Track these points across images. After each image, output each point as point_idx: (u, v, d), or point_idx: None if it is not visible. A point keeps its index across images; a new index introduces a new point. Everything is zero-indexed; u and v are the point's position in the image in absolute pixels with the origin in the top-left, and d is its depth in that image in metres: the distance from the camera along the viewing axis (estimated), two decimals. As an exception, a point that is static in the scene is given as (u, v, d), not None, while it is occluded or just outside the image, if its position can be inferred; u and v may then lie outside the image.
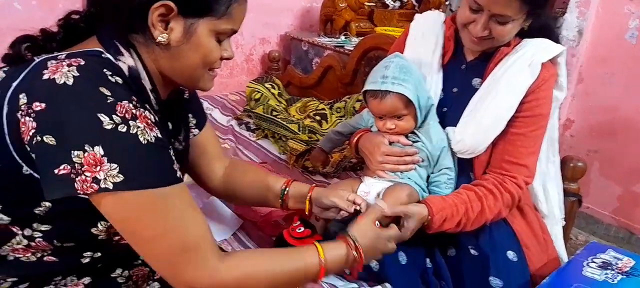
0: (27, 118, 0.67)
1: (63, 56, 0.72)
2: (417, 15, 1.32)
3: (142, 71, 0.79)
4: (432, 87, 1.21)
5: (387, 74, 1.11)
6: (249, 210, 1.39)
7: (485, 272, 1.10)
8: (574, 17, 2.26)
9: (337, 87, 2.31)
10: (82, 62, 0.70)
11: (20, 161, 0.71)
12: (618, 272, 1.04)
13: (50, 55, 0.73)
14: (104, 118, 0.67)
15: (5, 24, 1.91)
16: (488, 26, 1.07)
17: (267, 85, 2.37)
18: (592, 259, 1.10)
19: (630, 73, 2.24)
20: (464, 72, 1.20)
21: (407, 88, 1.09)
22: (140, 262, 0.94)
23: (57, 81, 0.68)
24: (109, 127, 0.67)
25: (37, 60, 0.73)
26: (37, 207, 0.75)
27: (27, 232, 0.77)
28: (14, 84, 0.71)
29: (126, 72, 0.77)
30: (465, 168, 1.21)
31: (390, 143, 1.17)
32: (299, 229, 1.11)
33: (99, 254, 0.85)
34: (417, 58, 1.23)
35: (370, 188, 1.18)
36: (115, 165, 0.67)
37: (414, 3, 2.75)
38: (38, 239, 0.78)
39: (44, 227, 0.77)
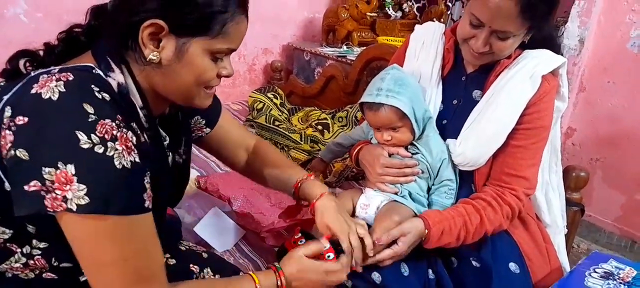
0: (7, 131, 0.67)
1: (55, 71, 0.71)
2: (417, 27, 1.32)
3: (132, 87, 0.78)
4: (432, 99, 1.21)
5: (382, 86, 1.11)
6: (251, 221, 1.40)
7: (487, 284, 1.09)
8: (575, 26, 2.27)
9: (340, 96, 2.32)
10: (71, 77, 0.70)
11: (2, 176, 0.70)
12: (620, 282, 1.03)
13: (45, 70, 0.73)
14: (82, 136, 0.66)
15: (11, 36, 1.93)
16: (489, 41, 1.06)
17: (269, 95, 2.38)
18: (594, 269, 1.09)
19: (632, 82, 2.24)
20: (464, 84, 1.20)
21: (401, 101, 1.09)
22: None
23: (43, 96, 0.67)
24: (86, 146, 0.66)
25: (32, 74, 0.73)
26: (30, 224, 0.74)
27: (26, 249, 0.77)
28: (5, 98, 0.70)
29: (115, 89, 0.75)
30: (466, 180, 1.21)
31: (390, 155, 1.18)
32: (300, 242, 1.11)
33: None
34: (417, 70, 1.23)
35: (370, 200, 1.18)
36: (84, 187, 0.66)
37: (416, 13, 2.77)
38: (37, 257, 0.77)
39: (42, 245, 0.77)
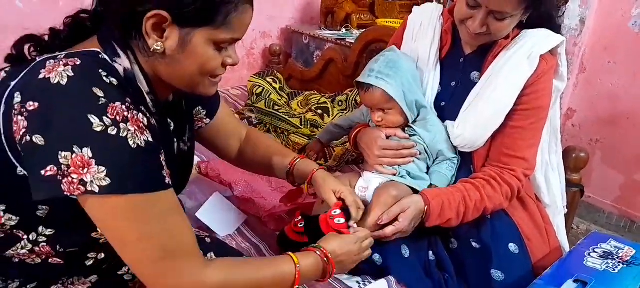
0: (20, 117, 0.67)
1: (62, 56, 0.72)
2: (415, 8, 1.31)
3: (138, 74, 0.79)
4: (430, 81, 1.21)
5: (374, 68, 1.14)
6: (252, 206, 1.40)
7: (487, 265, 1.10)
8: (576, 5, 2.25)
9: (339, 80, 2.31)
10: (78, 62, 0.70)
11: (15, 161, 0.71)
12: (619, 262, 1.05)
13: (50, 55, 0.73)
14: (94, 119, 0.67)
15: (7, 21, 1.91)
16: (486, 22, 1.05)
17: (268, 79, 2.37)
18: (593, 249, 1.10)
19: (632, 61, 2.23)
20: (462, 65, 1.20)
21: (389, 83, 1.11)
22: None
23: (52, 81, 0.68)
24: (99, 129, 0.67)
25: (38, 59, 0.73)
26: (37, 209, 0.75)
27: (32, 236, 0.77)
28: (12, 83, 0.71)
29: (122, 74, 0.76)
30: (465, 162, 1.22)
31: (388, 137, 1.18)
32: (301, 224, 1.11)
33: (103, 256, 0.86)
34: (415, 51, 1.23)
35: (368, 183, 1.19)
36: (103, 168, 0.67)
37: (415, -6, 2.74)
38: (42, 244, 0.78)
39: (48, 232, 0.77)
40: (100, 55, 0.75)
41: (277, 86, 2.37)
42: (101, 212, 0.71)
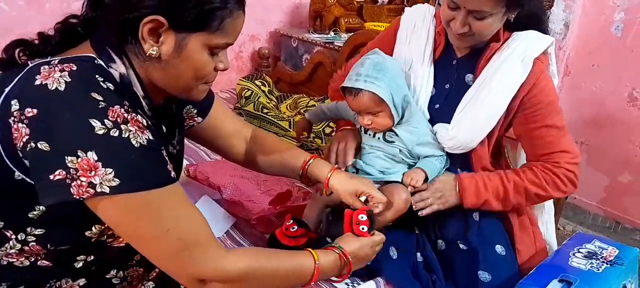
0: (20, 124, 0.68)
1: (56, 61, 0.72)
2: (407, 9, 1.30)
3: (133, 79, 0.79)
4: (423, 83, 1.21)
5: (361, 72, 1.11)
6: (241, 209, 1.40)
7: (474, 266, 1.11)
8: (560, 10, 2.29)
9: (328, 83, 2.29)
10: (75, 68, 0.70)
11: (11, 166, 0.71)
12: (603, 261, 1.06)
13: (43, 61, 0.73)
14: (95, 123, 0.68)
15: (-8, 24, 1.89)
16: (467, 22, 1.06)
17: (257, 82, 2.37)
18: (578, 249, 1.12)
19: (616, 65, 2.27)
20: (455, 67, 1.20)
21: (379, 86, 1.10)
22: (134, 262, 0.95)
23: (49, 87, 0.68)
24: (101, 132, 0.68)
25: (30, 65, 0.73)
26: (31, 211, 0.75)
27: (21, 236, 0.77)
28: (6, 90, 0.71)
29: (118, 79, 0.77)
30: (464, 163, 1.21)
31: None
32: (293, 228, 1.11)
33: (92, 257, 0.85)
34: (409, 53, 1.22)
35: None
36: (111, 170, 0.68)
37: (403, -2, 2.76)
38: (31, 243, 0.78)
39: (37, 231, 0.77)
40: (96, 61, 0.76)
41: (266, 89, 2.37)
42: (115, 213, 0.72)
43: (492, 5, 1.03)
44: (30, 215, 0.75)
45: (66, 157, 0.66)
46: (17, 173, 0.72)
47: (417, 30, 1.24)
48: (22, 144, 0.68)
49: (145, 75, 0.81)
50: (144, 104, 0.81)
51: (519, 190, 1.13)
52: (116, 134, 0.69)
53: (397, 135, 1.17)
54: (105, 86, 0.72)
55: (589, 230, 2.41)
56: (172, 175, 0.76)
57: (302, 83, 2.46)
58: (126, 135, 0.70)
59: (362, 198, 1.07)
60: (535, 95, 1.12)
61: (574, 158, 1.15)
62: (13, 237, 0.77)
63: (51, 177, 0.67)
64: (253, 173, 1.72)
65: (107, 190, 0.68)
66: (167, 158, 0.77)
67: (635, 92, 2.25)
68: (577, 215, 2.51)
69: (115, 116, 0.70)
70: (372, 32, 2.16)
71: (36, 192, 0.70)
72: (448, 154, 1.21)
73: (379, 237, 1.05)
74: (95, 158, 0.67)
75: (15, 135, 0.68)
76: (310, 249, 0.93)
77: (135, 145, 0.70)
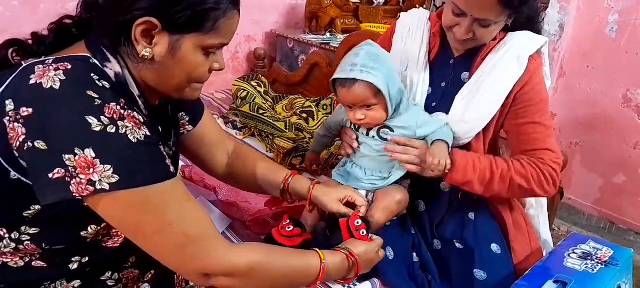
0: (16, 124, 0.67)
1: (50, 61, 0.72)
2: (402, 14, 1.34)
3: (129, 78, 0.79)
4: (420, 83, 1.23)
5: (357, 62, 1.08)
6: (237, 210, 1.40)
7: (469, 265, 1.12)
8: (555, 11, 2.30)
9: (324, 84, 2.31)
10: (69, 66, 0.70)
11: (7, 166, 0.71)
12: (598, 262, 1.07)
13: (37, 60, 0.73)
14: (92, 120, 0.67)
15: (-14, 25, 1.88)
16: (471, 29, 1.09)
17: (253, 83, 2.37)
18: (573, 250, 1.12)
19: (610, 67, 2.28)
20: (452, 66, 1.22)
21: (376, 76, 1.07)
22: (130, 264, 0.94)
23: (44, 85, 0.68)
24: (98, 128, 0.67)
25: (24, 64, 0.73)
26: (26, 210, 0.75)
27: (15, 235, 0.77)
28: (0, 90, 0.71)
29: (113, 78, 0.76)
30: None
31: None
32: (289, 228, 1.11)
33: (87, 259, 0.85)
34: (404, 55, 1.25)
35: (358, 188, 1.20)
36: (109, 166, 0.68)
37: (399, -1, 2.77)
38: (26, 243, 0.77)
39: (32, 230, 0.77)
40: (91, 60, 0.75)
41: (262, 90, 2.37)
42: (116, 210, 0.72)
43: (498, 14, 1.06)
44: (25, 214, 0.75)
45: (64, 155, 0.66)
46: (12, 173, 0.71)
47: (412, 34, 1.26)
48: (18, 143, 0.68)
49: (139, 76, 0.81)
50: (140, 102, 0.81)
51: (504, 179, 1.13)
52: (113, 131, 0.69)
53: (391, 130, 1.16)
54: (100, 84, 0.71)
55: (583, 230, 2.42)
56: (171, 169, 0.76)
57: (298, 84, 2.45)
58: (123, 131, 0.70)
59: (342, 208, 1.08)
60: (527, 92, 1.14)
61: (558, 159, 1.16)
62: (7, 235, 0.77)
63: (50, 175, 0.66)
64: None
65: (107, 187, 0.67)
66: (165, 153, 0.77)
67: (629, 94, 2.26)
68: (572, 216, 2.52)
69: (112, 113, 0.69)
70: (368, 33, 2.16)
71: (32, 191, 0.70)
72: None
73: (380, 240, 1.06)
74: (93, 155, 0.67)
75: (11, 135, 0.68)
76: (317, 249, 0.93)
77: (133, 141, 0.70)
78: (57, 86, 0.68)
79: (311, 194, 1.10)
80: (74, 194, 0.67)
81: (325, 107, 2.16)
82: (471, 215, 1.21)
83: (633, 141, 2.29)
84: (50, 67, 0.69)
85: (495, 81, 1.14)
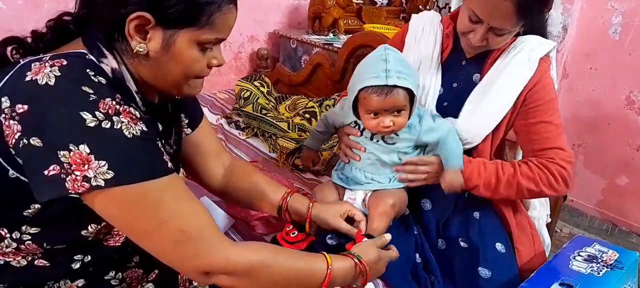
0: (12, 121, 0.67)
1: (47, 58, 0.71)
2: (414, 16, 1.36)
3: (126, 74, 0.78)
4: (433, 83, 1.25)
5: (390, 68, 1.05)
6: (240, 210, 1.39)
7: (474, 263, 1.12)
8: (558, 13, 2.30)
9: (327, 84, 2.32)
10: (65, 63, 0.70)
11: (5, 165, 0.70)
12: (603, 265, 1.07)
13: (34, 58, 0.73)
14: (86, 116, 0.66)
15: (-11, 23, 1.88)
16: (486, 36, 1.11)
17: (256, 83, 2.36)
18: (578, 252, 1.12)
19: (613, 68, 2.28)
20: (464, 67, 1.24)
21: (411, 82, 1.07)
22: (133, 264, 0.94)
23: (39, 82, 0.67)
24: (93, 124, 0.67)
25: (22, 62, 0.73)
26: (26, 209, 0.74)
27: (16, 234, 0.76)
28: None
29: (110, 74, 0.76)
30: None
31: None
32: (293, 234, 1.11)
33: (90, 258, 0.85)
34: (417, 54, 1.27)
35: (355, 194, 1.20)
36: (104, 162, 0.67)
37: (402, 0, 2.77)
38: (27, 242, 0.77)
39: (33, 230, 0.77)
40: (87, 56, 0.75)
41: (265, 90, 2.37)
42: (112, 206, 0.71)
43: (514, 24, 1.09)
44: (25, 213, 0.75)
45: (59, 152, 0.65)
46: (11, 171, 0.71)
47: (425, 34, 1.29)
48: (14, 140, 0.67)
49: (136, 72, 0.80)
50: (137, 99, 0.80)
51: (511, 184, 1.14)
52: (108, 126, 0.68)
53: (397, 135, 1.15)
54: (96, 80, 0.71)
55: (585, 232, 2.41)
56: (168, 165, 0.75)
57: (300, 84, 2.45)
58: (118, 126, 0.69)
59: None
60: (538, 91, 1.16)
61: (569, 157, 1.16)
62: (8, 235, 0.76)
63: (46, 172, 0.66)
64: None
65: (102, 183, 0.67)
66: (162, 149, 0.75)
67: (632, 95, 2.26)
68: (574, 218, 2.52)
69: (107, 108, 0.68)
70: (371, 34, 2.16)
71: (31, 190, 0.69)
72: None
73: (395, 252, 1.04)
74: (88, 151, 0.66)
75: (7, 132, 0.68)
76: (325, 253, 0.89)
77: (128, 136, 0.69)
78: (52, 82, 0.67)
79: (311, 213, 1.09)
80: (70, 191, 0.66)
81: (328, 108, 2.16)
82: (476, 214, 1.22)
83: (636, 143, 2.29)
84: (46, 64, 0.69)
85: (506, 82, 1.16)
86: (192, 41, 0.77)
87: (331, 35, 2.60)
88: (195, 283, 1.03)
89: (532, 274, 1.07)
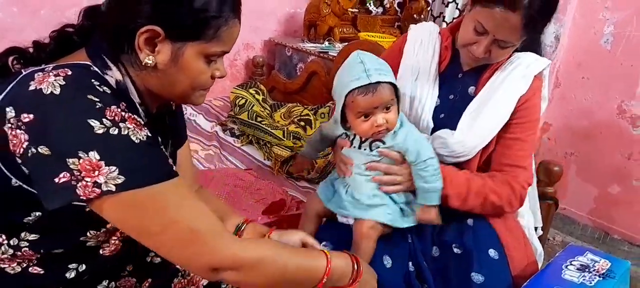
0: (18, 130, 0.67)
1: (50, 68, 0.72)
2: (412, 26, 1.37)
3: (130, 86, 0.80)
4: (430, 94, 1.25)
5: (369, 67, 1.07)
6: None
7: (467, 268, 1.12)
8: (551, 23, 2.32)
9: (322, 92, 2.32)
10: (69, 72, 0.71)
11: (8, 174, 0.71)
12: (595, 274, 1.07)
13: (37, 68, 0.73)
14: (94, 123, 0.68)
15: (-15, 30, 1.88)
16: (490, 49, 1.12)
17: (251, 90, 2.37)
18: (570, 262, 1.13)
19: (605, 77, 2.31)
20: (461, 80, 1.25)
21: (391, 77, 1.09)
22: (126, 273, 0.94)
23: (44, 91, 0.68)
24: (101, 131, 0.68)
25: (24, 72, 0.73)
26: (27, 216, 0.75)
27: (14, 241, 0.77)
28: (0, 97, 0.70)
29: (114, 85, 0.77)
30: None
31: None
32: None
33: (84, 267, 0.85)
34: (416, 65, 1.28)
35: (348, 219, 1.19)
36: (114, 168, 0.68)
37: (397, 9, 2.79)
38: (24, 249, 0.77)
39: (31, 237, 0.77)
40: (91, 68, 0.76)
41: (260, 98, 2.37)
42: (121, 210, 0.71)
43: (519, 37, 1.10)
44: (25, 221, 0.75)
45: (68, 159, 0.66)
46: (14, 180, 0.71)
47: (423, 45, 1.30)
48: (22, 150, 0.68)
49: (142, 83, 0.81)
50: (140, 110, 0.82)
51: (479, 195, 1.16)
52: (116, 132, 0.69)
53: (383, 142, 1.14)
54: (101, 89, 0.72)
55: (578, 240, 2.43)
56: (173, 169, 0.77)
57: (296, 92, 2.46)
58: (125, 132, 0.70)
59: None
60: (526, 108, 1.18)
61: (530, 179, 1.20)
62: (5, 242, 0.76)
63: (56, 180, 0.66)
64: (246, 182, 1.72)
65: (113, 188, 0.68)
66: (166, 154, 0.78)
67: (624, 105, 2.28)
68: (567, 226, 2.54)
69: (113, 115, 0.70)
70: (366, 42, 2.18)
71: (34, 198, 0.70)
72: None
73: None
74: (98, 157, 0.67)
75: (14, 141, 0.68)
76: (324, 250, 0.91)
77: (136, 142, 0.71)
78: (57, 91, 0.68)
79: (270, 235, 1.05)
80: (82, 197, 0.67)
81: (323, 116, 2.17)
82: (470, 221, 1.22)
83: (627, 152, 2.31)
84: (50, 74, 0.70)
85: (502, 98, 1.17)
86: (199, 54, 0.79)
87: (326, 43, 2.61)
88: (189, 290, 1.03)
89: (525, 283, 1.08)
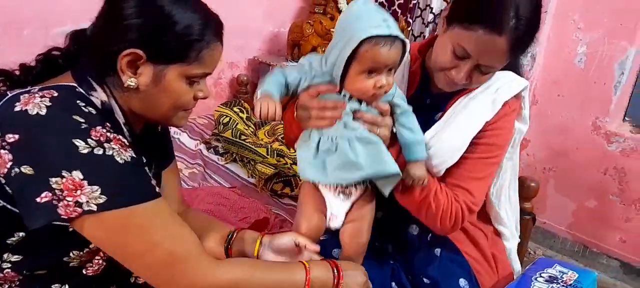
0: (2, 151, 0.68)
1: (36, 89, 0.73)
2: None
3: (115, 106, 0.82)
4: None
5: (387, 18, 0.91)
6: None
7: None
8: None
9: (305, 110, 2.34)
10: (55, 94, 0.72)
11: None
12: (563, 285, 1.11)
13: (23, 90, 0.75)
14: (79, 143, 0.69)
15: (-32, 51, 1.88)
16: (471, 75, 1.02)
17: (235, 109, 2.40)
18: (540, 274, 1.16)
19: (579, 95, 2.39)
20: (427, 107, 1.16)
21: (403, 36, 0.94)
22: (109, 292, 0.95)
23: (30, 112, 0.69)
24: (85, 151, 0.69)
25: (9, 94, 0.74)
26: (10, 237, 0.75)
27: None
28: None
29: (99, 106, 0.78)
30: None
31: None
32: None
33: (67, 287, 0.85)
34: None
35: (337, 210, 1.07)
36: (97, 187, 0.69)
37: (378, 28, 2.84)
38: (6, 270, 0.78)
39: (14, 258, 0.77)
40: (77, 89, 0.77)
41: (244, 116, 2.40)
42: (102, 230, 0.72)
43: (503, 63, 1.01)
44: (8, 242, 0.76)
45: (50, 179, 0.67)
46: None
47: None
48: (5, 170, 0.69)
49: (125, 104, 0.83)
50: (124, 130, 0.83)
51: (423, 191, 1.05)
52: (100, 152, 0.70)
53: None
54: (86, 110, 0.73)
55: (557, 254, 2.47)
56: (157, 189, 0.77)
57: (280, 110, 2.48)
58: (110, 152, 0.71)
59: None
60: (492, 130, 1.09)
61: (473, 204, 1.09)
62: None
63: (38, 199, 0.67)
64: (230, 200, 1.74)
65: (94, 207, 0.69)
66: (150, 174, 0.78)
67: (598, 121, 2.36)
68: (547, 239, 2.58)
69: (98, 135, 0.71)
70: (348, 62, 2.20)
71: (17, 218, 0.71)
72: None
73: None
74: (81, 177, 0.68)
75: None
76: (303, 261, 0.91)
77: (120, 162, 0.72)
78: (43, 112, 0.69)
79: (261, 238, 1.02)
80: (63, 216, 0.68)
81: (306, 133, 2.20)
82: (437, 251, 1.18)
83: (603, 167, 2.38)
84: (36, 95, 0.71)
85: (464, 121, 1.07)
86: (181, 75, 0.81)
87: (310, 62, 2.64)
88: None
89: (495, 297, 1.10)
